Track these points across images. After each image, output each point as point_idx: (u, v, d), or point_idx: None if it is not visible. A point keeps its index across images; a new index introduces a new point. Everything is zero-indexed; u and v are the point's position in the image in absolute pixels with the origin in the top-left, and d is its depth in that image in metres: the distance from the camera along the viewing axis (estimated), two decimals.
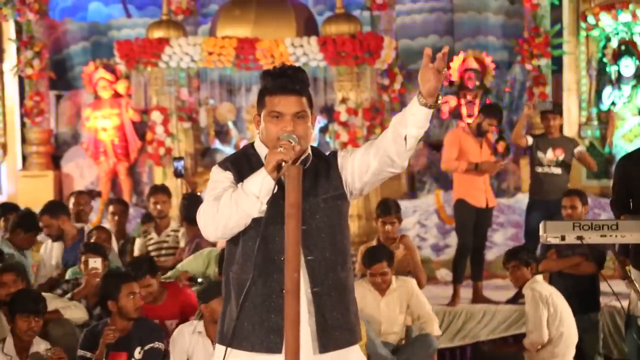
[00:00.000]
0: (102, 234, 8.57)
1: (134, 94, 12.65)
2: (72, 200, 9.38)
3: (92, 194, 12.34)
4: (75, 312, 6.70)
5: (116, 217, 9.54)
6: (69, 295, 6.99)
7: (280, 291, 3.47)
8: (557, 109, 10.17)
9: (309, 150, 3.73)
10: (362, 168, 3.69)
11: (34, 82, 13.38)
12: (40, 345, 6.01)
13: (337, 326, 3.67)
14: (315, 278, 3.64)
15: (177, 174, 9.43)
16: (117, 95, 13.19)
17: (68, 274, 7.82)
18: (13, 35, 13.40)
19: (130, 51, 12.01)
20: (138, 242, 8.77)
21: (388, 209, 8.04)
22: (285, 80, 3.66)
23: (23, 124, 13.58)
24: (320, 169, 3.72)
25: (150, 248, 8.64)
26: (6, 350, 5.76)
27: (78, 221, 8.87)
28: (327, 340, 3.65)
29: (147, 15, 14.25)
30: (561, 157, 9.62)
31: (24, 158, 13.59)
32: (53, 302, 6.64)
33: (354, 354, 3.74)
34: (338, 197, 3.74)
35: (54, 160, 13.67)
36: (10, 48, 13.43)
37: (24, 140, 13.59)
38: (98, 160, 13.22)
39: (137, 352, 6.01)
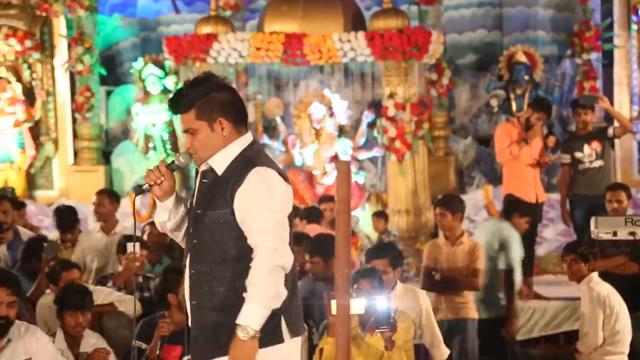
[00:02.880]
0: (155, 229, 8.62)
1: None
2: None
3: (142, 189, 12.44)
4: (130, 305, 6.76)
5: None
6: (109, 283, 7.07)
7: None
8: (590, 100, 9.87)
9: (215, 161, 3.78)
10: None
11: (85, 78, 13.50)
12: (90, 339, 6.06)
13: (207, 336, 3.76)
14: (200, 292, 3.78)
15: None
16: (166, 90, 13.27)
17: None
18: (64, 31, 13.53)
19: (179, 47, 12.07)
20: None
21: (444, 201, 7.81)
22: (170, 104, 3.85)
23: (74, 120, 13.71)
24: (219, 185, 3.77)
25: None
26: (57, 344, 5.81)
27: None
28: (196, 351, 3.82)
29: (196, 10, 14.32)
30: (599, 149, 9.50)
31: (75, 153, 13.73)
32: (108, 295, 6.70)
33: None
34: (223, 216, 3.76)
35: (105, 155, 13.80)
36: (61, 44, 13.56)
37: (75, 136, 13.73)
38: (148, 155, 13.31)
39: None
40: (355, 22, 12.14)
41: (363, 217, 11.90)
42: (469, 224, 11.47)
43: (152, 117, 13.27)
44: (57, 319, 6.10)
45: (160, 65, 13.27)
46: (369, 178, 12.57)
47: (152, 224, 9.11)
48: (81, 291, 6.15)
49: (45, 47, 13.57)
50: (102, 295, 6.52)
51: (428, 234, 11.51)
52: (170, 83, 13.24)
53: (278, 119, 12.57)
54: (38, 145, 13.55)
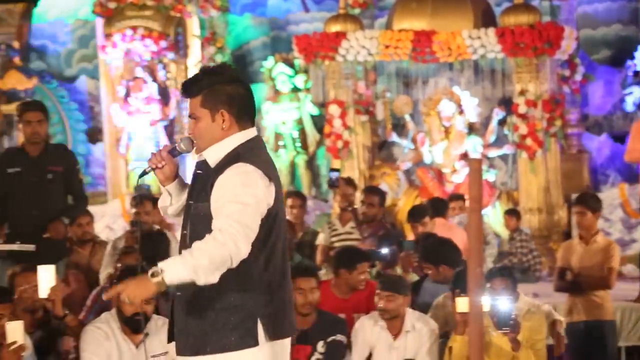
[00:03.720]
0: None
1: (312, 87, 12.81)
2: None
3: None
4: None
5: (294, 210, 9.65)
6: None
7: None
8: None
9: (209, 154, 3.77)
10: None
11: None
12: None
13: (186, 332, 3.73)
14: (180, 287, 3.69)
15: (331, 185, 9.39)
16: (296, 89, 13.39)
17: None
18: (197, 31, 13.80)
19: (309, 45, 12.16)
20: (322, 234, 8.85)
21: (583, 200, 7.63)
22: (182, 86, 3.86)
23: None
24: (209, 178, 3.73)
25: (334, 239, 8.71)
26: None
27: None
28: (179, 344, 3.77)
29: (325, 9, 14.40)
30: None
31: None
32: None
33: None
34: (204, 208, 3.71)
35: None
36: (194, 44, 13.83)
37: None
38: (278, 153, 13.46)
39: (320, 346, 6.08)
40: (485, 19, 12.00)
41: (494, 215, 11.76)
42: (604, 223, 11.21)
43: (282, 115, 13.41)
44: None
45: (290, 64, 13.40)
46: (499, 176, 12.41)
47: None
48: None
49: (179, 47, 13.86)
50: None
51: (561, 232, 11.31)
52: (300, 81, 13.35)
53: (407, 117, 12.53)
54: (173, 143, 13.82)
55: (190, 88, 3.81)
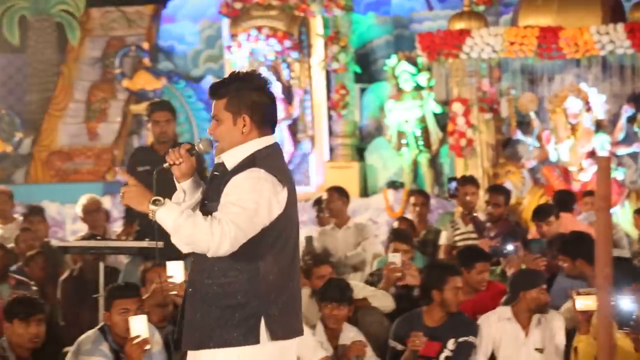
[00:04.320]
0: (404, 224, 8.71)
1: (435, 85, 12.74)
2: None
3: (396, 185, 12.59)
4: (382, 300, 6.85)
5: (417, 208, 9.64)
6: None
7: None
8: None
9: (227, 157, 3.90)
10: None
11: (340, 76, 13.80)
12: (349, 332, 6.19)
13: (193, 326, 3.87)
14: (191, 279, 3.94)
15: (451, 195, 9.32)
16: (419, 87, 13.34)
17: (375, 264, 8.02)
18: (321, 30, 13.88)
19: (432, 43, 12.10)
20: (444, 232, 8.81)
21: None
22: (210, 88, 3.98)
23: (330, 117, 14.04)
24: (224, 180, 3.85)
25: (457, 238, 8.66)
26: (317, 337, 5.98)
27: None
28: (186, 337, 3.92)
29: (449, 7, 14.30)
30: None
31: (331, 150, 14.05)
32: (362, 290, 6.83)
33: (198, 359, 3.87)
34: (215, 208, 3.84)
35: (359, 152, 14.04)
36: (318, 43, 13.91)
37: (331, 133, 14.05)
38: (400, 152, 13.44)
39: (451, 344, 6.08)
40: (615, 14, 11.73)
41: (622, 214, 11.48)
42: None
43: (405, 114, 13.37)
44: (319, 310, 6.27)
45: (413, 62, 13.35)
46: (628, 174, 12.10)
47: (402, 219, 9.21)
48: (341, 285, 6.29)
49: (303, 46, 13.97)
50: (356, 289, 6.65)
51: None
52: (423, 80, 13.30)
53: (532, 114, 12.33)
54: (295, 142, 13.98)
55: (217, 90, 3.94)
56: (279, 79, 13.83)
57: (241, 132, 3.89)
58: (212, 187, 3.93)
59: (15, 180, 14.92)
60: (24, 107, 16.15)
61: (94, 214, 8.98)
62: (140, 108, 14.13)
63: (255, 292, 3.83)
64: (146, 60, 15.23)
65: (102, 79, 15.74)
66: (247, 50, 13.72)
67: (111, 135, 15.11)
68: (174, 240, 3.78)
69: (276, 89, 13.69)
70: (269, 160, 3.87)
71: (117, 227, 10.66)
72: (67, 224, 11.64)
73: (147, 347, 5.34)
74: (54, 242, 7.97)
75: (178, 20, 16.05)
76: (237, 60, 13.86)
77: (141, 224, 7.34)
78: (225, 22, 14.19)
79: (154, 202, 3.78)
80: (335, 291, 6.19)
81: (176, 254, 6.18)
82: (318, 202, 9.65)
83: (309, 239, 8.99)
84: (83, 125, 15.38)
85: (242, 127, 3.89)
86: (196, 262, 3.94)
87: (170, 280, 5.79)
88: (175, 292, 5.80)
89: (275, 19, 13.76)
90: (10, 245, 8.71)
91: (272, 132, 3.97)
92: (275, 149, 3.98)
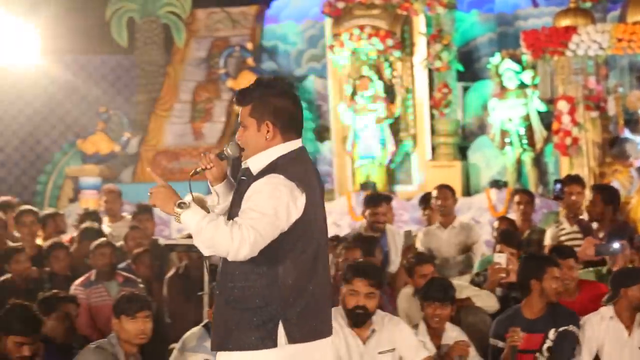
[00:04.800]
0: (505, 224, 8.61)
1: (540, 83, 12.57)
2: None
3: (499, 184, 12.46)
4: (486, 301, 6.80)
5: (521, 207, 9.52)
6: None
7: None
8: None
9: (252, 162, 3.99)
10: None
11: (442, 75, 13.72)
12: (451, 332, 6.15)
13: (217, 328, 4.00)
14: (218, 283, 4.03)
15: (556, 197, 9.16)
16: (523, 85, 13.18)
17: (476, 266, 7.93)
18: (423, 29, 13.82)
19: (537, 41, 11.95)
20: (549, 232, 8.68)
21: None
22: (235, 95, 4.07)
23: (432, 116, 13.97)
24: (249, 185, 3.94)
25: (562, 238, 8.52)
26: (419, 336, 5.96)
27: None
28: (213, 338, 4.04)
29: (554, 3, 14.09)
30: None
31: (433, 149, 13.97)
32: (465, 290, 6.79)
33: (220, 357, 3.96)
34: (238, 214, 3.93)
35: (461, 151, 13.94)
36: (421, 42, 13.85)
37: (433, 132, 13.97)
38: (504, 151, 13.30)
39: (552, 334, 6.02)
40: None
41: None
42: None
43: (508, 112, 13.22)
44: (420, 310, 6.25)
45: (517, 60, 13.19)
46: None
47: (504, 218, 9.09)
48: (444, 284, 6.26)
49: (405, 45, 13.93)
50: (459, 289, 6.60)
51: None
52: (527, 78, 13.12)
53: None
54: (398, 141, 13.95)
55: (242, 97, 4.03)
56: (381, 77, 13.82)
57: (265, 138, 3.98)
58: (238, 191, 4.04)
59: (123, 180, 15.24)
60: (132, 107, 16.51)
61: None
62: None
63: (274, 296, 3.90)
64: (250, 61, 15.40)
65: (206, 79, 15.97)
66: (349, 50, 13.74)
67: (216, 134, 15.31)
68: (196, 242, 3.88)
69: (378, 87, 13.69)
70: (291, 165, 3.95)
71: None
72: (173, 222, 11.79)
73: None
74: (161, 241, 8.11)
75: (281, 21, 16.18)
76: (339, 59, 13.90)
77: None
78: (328, 22, 14.24)
79: (179, 205, 3.88)
80: (437, 290, 6.17)
81: None
82: (424, 201, 9.57)
83: (408, 233, 8.95)
84: (188, 125, 15.63)
85: (266, 133, 3.98)
86: (222, 266, 4.04)
87: None
88: None
89: (377, 17, 13.75)
90: (119, 243, 8.90)
91: (298, 136, 4.04)
92: (300, 153, 4.04)
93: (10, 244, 8.76)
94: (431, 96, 13.87)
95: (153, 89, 16.19)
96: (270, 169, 3.93)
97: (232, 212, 4.00)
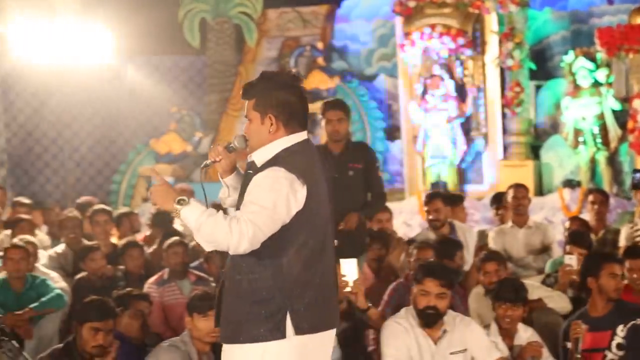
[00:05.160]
0: (577, 224, 8.49)
1: (614, 81, 12.38)
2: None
3: (572, 183, 12.31)
4: (558, 302, 6.72)
5: (596, 207, 9.40)
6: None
7: None
8: None
9: (256, 156, 4.05)
10: None
11: (515, 73, 13.59)
12: (524, 332, 6.09)
13: (226, 321, 4.03)
14: (226, 276, 4.07)
15: (635, 186, 8.95)
16: (597, 83, 13.00)
17: (547, 268, 7.84)
18: (495, 27, 13.71)
19: (611, 38, 11.79)
20: (624, 232, 8.55)
21: None
22: (242, 89, 4.11)
23: (504, 115, 13.85)
24: (250, 180, 3.99)
25: (638, 239, 8.39)
26: (491, 337, 5.92)
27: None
28: (222, 331, 4.07)
29: (630, 1, 13.86)
30: None
31: (505, 148, 13.85)
32: (537, 290, 6.72)
33: (229, 352, 4.01)
34: None
35: (534, 150, 13.80)
36: (492, 40, 13.75)
37: (504, 131, 13.85)
38: (577, 150, 13.13)
39: (620, 330, 5.94)
40: None
41: None
42: None
43: (582, 111, 13.05)
44: (493, 309, 6.21)
45: (591, 58, 13.01)
46: None
47: (576, 219, 8.97)
48: (516, 285, 6.21)
49: (477, 43, 13.83)
50: (531, 290, 6.54)
51: None
52: (602, 76, 12.93)
53: None
54: (469, 140, 13.86)
55: (247, 91, 4.09)
56: (452, 76, 13.74)
57: (268, 131, 4.03)
58: (243, 186, 4.09)
59: (195, 179, 15.39)
60: (203, 107, 16.66)
61: None
62: (315, 107, 14.32)
63: (280, 287, 3.95)
64: (320, 60, 15.43)
65: None
66: (420, 49, 13.69)
67: None
68: (196, 238, 3.93)
69: (449, 86, 13.62)
70: (293, 158, 3.99)
71: None
72: None
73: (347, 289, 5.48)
74: None
75: (352, 20, 16.18)
76: (410, 58, 13.86)
77: None
78: (399, 21, 14.20)
79: (179, 202, 3.93)
80: (509, 291, 6.11)
81: (350, 252, 6.29)
82: (497, 200, 9.48)
83: (481, 233, 8.88)
84: None
85: (269, 126, 4.02)
86: (230, 258, 4.07)
87: (343, 278, 5.85)
88: (349, 290, 5.86)
89: (449, 16, 13.68)
90: (193, 242, 9.00)
91: (302, 129, 4.07)
92: (304, 146, 4.07)
93: (86, 242, 8.92)
94: (503, 95, 13.75)
95: (224, 89, 16.32)
96: (273, 161, 3.98)
97: (238, 204, 4.07)
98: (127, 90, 17.00)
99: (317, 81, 15.12)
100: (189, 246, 8.45)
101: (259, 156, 4.05)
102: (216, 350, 5.75)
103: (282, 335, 3.93)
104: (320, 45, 15.64)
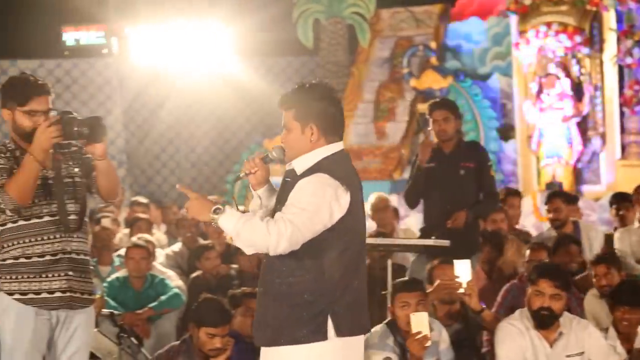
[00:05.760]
0: None
1: None
2: None
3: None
4: None
5: None
6: None
7: None
8: None
9: (297, 163, 4.09)
10: None
11: (634, 71, 13.30)
12: None
13: (264, 324, 4.08)
14: (262, 279, 4.14)
15: None
16: None
17: None
18: (614, 24, 13.44)
19: None
20: None
21: None
22: (279, 99, 4.15)
23: (622, 114, 13.56)
24: (292, 185, 4.03)
25: None
26: (609, 340, 5.79)
27: None
28: (258, 334, 4.13)
29: None
30: None
31: (623, 147, 13.57)
32: None
33: (269, 355, 4.04)
34: None
35: None
36: (611, 38, 13.48)
37: (622, 130, 13.57)
38: None
39: None
40: None
41: None
42: None
43: None
44: (611, 313, 6.08)
45: None
46: None
47: None
48: (635, 288, 6.07)
49: (594, 41, 13.58)
50: None
51: None
52: None
53: None
54: (585, 140, 13.62)
55: (285, 102, 4.14)
56: (568, 75, 13.52)
57: (309, 141, 4.10)
58: (283, 192, 4.14)
59: None
60: None
61: (382, 212, 9.14)
62: (425, 107, 14.28)
63: (322, 290, 4.02)
64: (433, 60, 15.36)
65: (390, 79, 16.04)
66: (535, 47, 13.51)
67: (398, 134, 15.35)
68: (236, 243, 4.01)
69: (565, 85, 13.40)
70: (335, 166, 4.07)
71: (404, 225, 10.81)
72: None
73: (428, 344, 5.40)
74: None
75: (465, 19, 16.05)
76: (524, 57, 13.69)
77: (425, 220, 7.42)
78: (514, 19, 14.04)
79: (215, 211, 4.01)
80: (628, 294, 5.97)
81: (462, 253, 6.25)
82: (617, 200, 9.22)
83: (609, 236, 8.69)
84: (371, 124, 15.73)
85: (310, 135, 4.09)
86: (267, 262, 4.12)
87: (457, 279, 5.81)
88: (462, 291, 5.82)
89: (565, 14, 13.46)
90: None
91: (340, 139, 4.16)
92: (342, 155, 4.16)
93: (202, 241, 9.07)
94: (621, 93, 13.46)
95: (337, 90, 16.37)
96: (315, 168, 4.05)
97: (275, 210, 4.12)
98: (243, 91, 17.25)
99: (430, 81, 15.06)
100: None
101: (300, 164, 4.12)
102: None
103: (324, 337, 4.01)
104: (433, 44, 15.57)
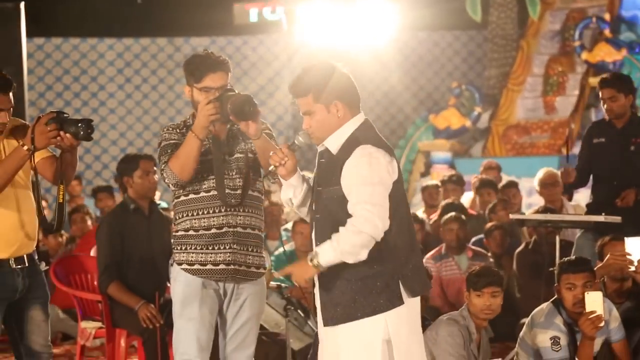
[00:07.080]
0: None
1: None
2: None
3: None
4: None
5: None
6: None
7: None
8: None
9: (329, 142, 4.09)
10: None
11: None
12: None
13: (333, 304, 4.07)
14: None
15: None
16: None
17: None
18: None
19: None
20: None
21: None
22: (290, 89, 4.14)
23: None
24: (334, 164, 4.04)
25: None
26: None
27: None
28: (326, 315, 4.10)
29: None
30: None
31: None
32: None
33: (347, 332, 4.02)
34: (336, 191, 4.03)
35: None
36: None
37: None
38: None
39: None
40: None
41: None
42: None
43: None
44: None
45: None
46: None
47: None
48: None
49: None
50: None
51: None
52: None
53: None
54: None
55: (297, 89, 4.13)
56: None
57: (337, 117, 4.10)
58: (321, 173, 4.14)
59: (473, 154, 15.36)
60: (483, 82, 16.55)
61: (550, 188, 8.97)
62: (596, 81, 13.90)
63: (388, 258, 4.04)
64: (607, 32, 14.89)
65: (560, 52, 15.69)
66: None
67: (568, 108, 15.01)
68: (352, 262, 3.97)
69: None
70: (370, 135, 4.11)
71: (574, 201, 10.56)
72: (523, 197, 11.71)
73: (601, 324, 5.27)
74: (512, 215, 8.09)
75: None
76: None
77: (593, 196, 7.24)
78: None
79: (311, 260, 4.02)
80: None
81: (633, 231, 6.05)
82: None
83: None
84: (540, 99, 15.44)
85: (337, 112, 4.10)
86: (320, 243, 4.08)
87: (628, 257, 5.65)
88: (632, 269, 5.65)
89: None
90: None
91: (359, 110, 4.17)
92: (369, 124, 4.18)
93: None
94: None
95: (505, 63, 16.13)
96: (354, 142, 4.05)
97: (319, 196, 4.12)
98: (409, 65, 17.19)
99: (603, 54, 14.64)
100: (465, 221, 8.47)
101: (333, 142, 4.11)
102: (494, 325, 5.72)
103: (400, 301, 4.05)
104: (607, 16, 15.09)
